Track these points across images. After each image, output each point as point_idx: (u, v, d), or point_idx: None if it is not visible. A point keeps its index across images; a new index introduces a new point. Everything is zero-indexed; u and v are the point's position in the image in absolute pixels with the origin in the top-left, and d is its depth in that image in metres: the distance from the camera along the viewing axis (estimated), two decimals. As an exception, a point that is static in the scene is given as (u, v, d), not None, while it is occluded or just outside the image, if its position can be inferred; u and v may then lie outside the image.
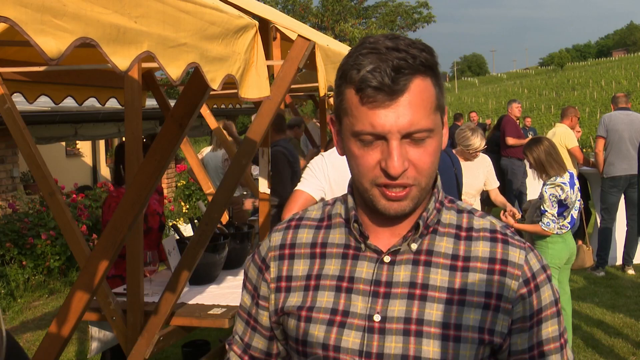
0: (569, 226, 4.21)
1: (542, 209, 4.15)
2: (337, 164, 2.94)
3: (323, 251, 1.13)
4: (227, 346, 1.29)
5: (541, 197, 4.18)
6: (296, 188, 3.03)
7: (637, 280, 6.53)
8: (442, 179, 1.22)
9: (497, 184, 4.92)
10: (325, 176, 2.98)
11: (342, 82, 1.03)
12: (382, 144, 0.99)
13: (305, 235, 1.16)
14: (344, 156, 1.08)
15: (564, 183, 4.12)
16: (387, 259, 1.07)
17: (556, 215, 4.11)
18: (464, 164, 4.72)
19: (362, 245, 1.09)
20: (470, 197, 4.68)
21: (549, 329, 1.08)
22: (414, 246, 1.07)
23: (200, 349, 4.33)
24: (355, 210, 1.11)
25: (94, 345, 3.19)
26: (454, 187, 3.20)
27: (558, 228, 4.13)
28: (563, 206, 4.13)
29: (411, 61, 0.97)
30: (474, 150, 4.62)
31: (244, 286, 1.24)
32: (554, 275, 4.18)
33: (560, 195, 4.10)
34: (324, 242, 1.14)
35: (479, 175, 4.73)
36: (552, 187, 4.11)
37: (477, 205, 4.82)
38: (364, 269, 1.08)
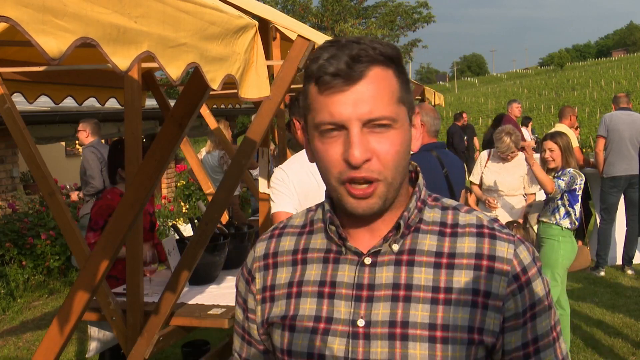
0: (577, 222, 4.21)
1: (560, 177, 4.16)
2: (300, 174, 2.70)
3: (304, 257, 1.10)
4: None
5: (563, 174, 4.20)
6: (272, 211, 2.79)
7: (637, 280, 6.53)
8: (429, 180, 1.20)
9: (533, 189, 4.80)
10: (292, 188, 2.72)
11: (305, 80, 1.03)
12: (344, 135, 0.98)
13: (287, 243, 1.14)
14: (313, 163, 1.06)
15: (581, 176, 4.20)
16: (367, 260, 1.04)
17: (564, 189, 4.14)
18: (498, 161, 4.83)
19: (343, 248, 1.06)
20: (504, 194, 4.76)
21: (543, 324, 1.04)
22: (395, 247, 1.04)
23: (200, 349, 4.34)
24: (332, 213, 1.08)
25: (93, 345, 3.19)
26: (445, 189, 3.20)
27: (566, 214, 4.17)
28: (574, 196, 4.16)
29: (370, 51, 0.97)
30: (501, 152, 4.82)
31: (236, 300, 1.21)
32: (562, 279, 4.17)
33: (577, 182, 4.14)
34: (306, 248, 1.11)
35: (514, 173, 4.76)
36: (575, 171, 4.18)
37: (515, 203, 4.78)
38: (346, 273, 1.05)
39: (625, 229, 6.75)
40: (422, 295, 1.01)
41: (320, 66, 0.97)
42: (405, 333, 0.99)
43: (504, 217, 4.66)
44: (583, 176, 4.20)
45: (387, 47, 1.00)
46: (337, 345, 1.02)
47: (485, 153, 5.05)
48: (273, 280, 1.12)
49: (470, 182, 5.09)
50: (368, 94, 0.96)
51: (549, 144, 4.28)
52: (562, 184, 4.10)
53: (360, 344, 1.01)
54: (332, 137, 0.99)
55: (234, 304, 2.99)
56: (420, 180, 1.10)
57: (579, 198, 4.17)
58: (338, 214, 1.08)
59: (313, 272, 1.08)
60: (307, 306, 1.06)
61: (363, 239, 1.06)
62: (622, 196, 6.75)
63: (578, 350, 4.68)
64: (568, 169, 4.17)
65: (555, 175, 4.20)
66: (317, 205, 1.17)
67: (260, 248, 1.17)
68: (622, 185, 6.61)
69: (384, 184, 0.99)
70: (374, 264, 1.04)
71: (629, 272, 6.74)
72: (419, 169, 1.12)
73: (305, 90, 1.03)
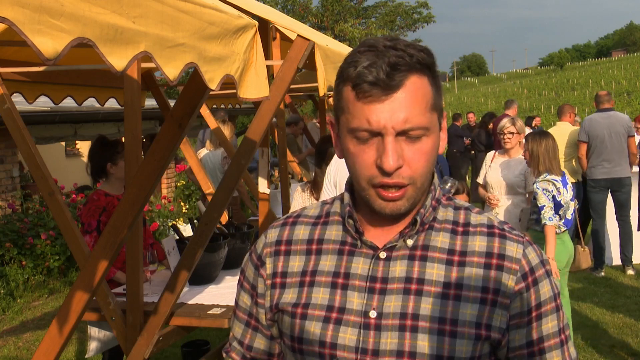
0: (565, 227, 4.12)
1: (539, 205, 4.01)
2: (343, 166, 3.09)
3: (319, 247, 1.13)
4: (224, 354, 1.26)
5: (535, 194, 4.10)
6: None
7: (637, 280, 6.53)
8: None
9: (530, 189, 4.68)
10: (332, 181, 3.10)
11: (340, 81, 1.05)
12: (378, 141, 1.00)
13: (302, 232, 1.17)
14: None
15: (556, 180, 4.06)
16: (382, 254, 1.07)
17: (553, 208, 4.02)
18: (502, 160, 4.76)
19: (358, 242, 1.09)
20: (505, 193, 4.68)
21: (548, 325, 1.07)
22: (409, 242, 1.08)
23: (200, 349, 4.33)
24: (351, 207, 1.11)
25: (93, 345, 3.19)
26: None
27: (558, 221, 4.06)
28: (557, 204, 4.04)
29: (408, 59, 0.99)
30: (499, 129, 4.79)
31: (241, 286, 1.22)
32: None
33: (552, 191, 4.02)
34: (320, 239, 1.14)
35: (515, 170, 4.67)
36: (543, 182, 4.05)
37: (517, 202, 4.66)
38: (360, 265, 1.08)
39: (619, 229, 6.77)
40: (434, 289, 1.04)
41: (359, 73, 0.99)
42: (416, 325, 1.02)
43: (505, 216, 4.62)
44: (555, 179, 4.05)
45: (422, 52, 1.01)
46: (348, 335, 1.05)
47: (490, 153, 5.01)
48: (285, 267, 1.14)
49: (477, 183, 5.08)
50: (405, 104, 0.98)
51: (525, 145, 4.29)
52: (551, 215, 3.98)
53: (371, 335, 1.04)
54: (365, 143, 1.01)
55: (233, 304, 3.01)
56: (436, 180, 1.13)
57: (564, 202, 4.04)
58: (357, 208, 1.11)
59: (327, 262, 1.11)
60: (320, 295, 1.09)
61: (379, 234, 1.10)
62: (611, 198, 6.76)
63: (578, 350, 4.68)
64: (535, 185, 4.06)
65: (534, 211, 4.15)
66: (334, 199, 1.20)
67: (272, 234, 1.19)
68: (602, 185, 6.65)
69: (413, 188, 1.03)
70: (388, 258, 1.07)
71: (629, 272, 6.74)
72: (434, 169, 1.15)
73: (339, 90, 1.05)
